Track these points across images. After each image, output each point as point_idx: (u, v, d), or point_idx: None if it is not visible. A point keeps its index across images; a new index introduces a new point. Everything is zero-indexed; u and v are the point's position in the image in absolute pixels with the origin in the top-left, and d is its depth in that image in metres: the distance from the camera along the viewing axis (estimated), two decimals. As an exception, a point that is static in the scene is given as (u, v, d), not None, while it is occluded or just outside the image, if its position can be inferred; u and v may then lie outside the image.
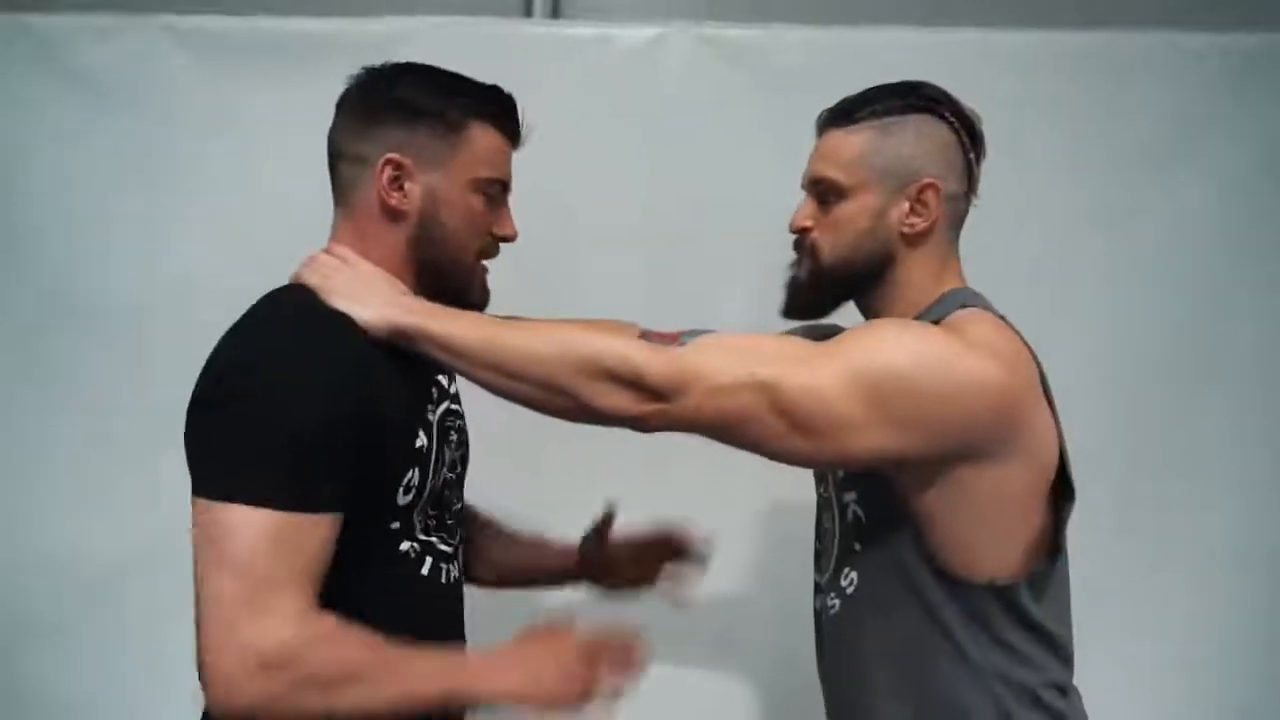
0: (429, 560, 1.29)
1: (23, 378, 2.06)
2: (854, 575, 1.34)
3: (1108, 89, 2.06)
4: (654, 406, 1.18)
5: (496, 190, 1.33)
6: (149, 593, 2.01)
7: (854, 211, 1.31)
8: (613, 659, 1.23)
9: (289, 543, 1.08)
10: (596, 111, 2.06)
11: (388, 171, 1.26)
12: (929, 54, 1.91)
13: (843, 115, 1.34)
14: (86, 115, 2.04)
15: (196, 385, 1.18)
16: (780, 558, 2.05)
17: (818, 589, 1.44)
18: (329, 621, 1.10)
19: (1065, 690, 1.30)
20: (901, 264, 1.32)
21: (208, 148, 2.04)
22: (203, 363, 1.20)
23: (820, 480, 1.47)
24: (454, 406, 1.41)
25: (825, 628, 1.42)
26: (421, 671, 1.14)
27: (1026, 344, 1.27)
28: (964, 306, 1.28)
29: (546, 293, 1.85)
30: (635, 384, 1.17)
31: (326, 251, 1.29)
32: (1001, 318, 1.29)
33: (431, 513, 1.31)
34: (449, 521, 1.37)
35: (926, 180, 1.29)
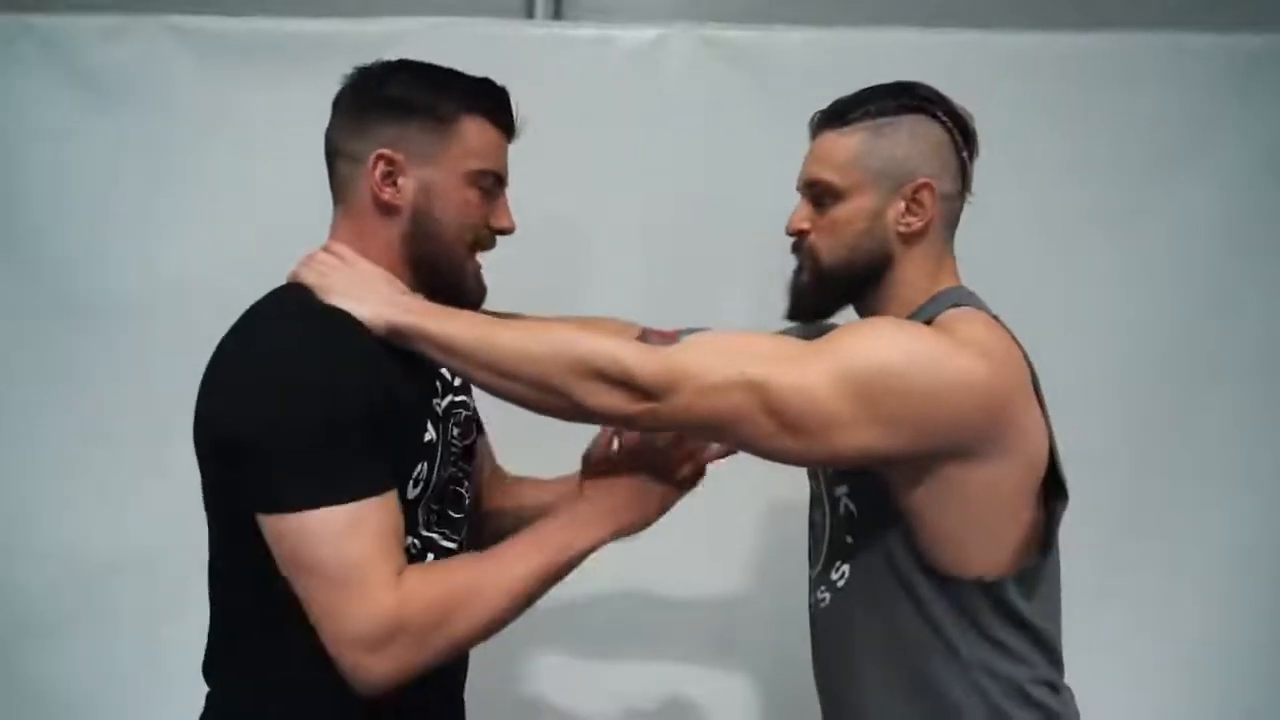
0: (430, 557, 1.29)
1: (24, 376, 2.07)
2: (845, 569, 1.33)
3: (1110, 90, 2.05)
4: (645, 406, 1.17)
5: (491, 183, 1.31)
6: (146, 591, 2.02)
7: (850, 213, 1.31)
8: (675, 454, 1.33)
9: (364, 528, 1.11)
10: (598, 112, 2.05)
11: (380, 167, 1.25)
12: (930, 55, 1.92)
13: (836, 117, 1.33)
14: (89, 114, 2.04)
15: (208, 394, 1.18)
16: (779, 558, 2.04)
17: (810, 584, 1.43)
18: (413, 577, 1.13)
19: (1056, 687, 1.29)
20: (898, 264, 1.32)
21: (209, 146, 2.04)
22: (202, 361, 1.19)
23: (812, 475, 1.46)
24: (458, 398, 1.40)
25: (817, 621, 1.42)
26: (523, 561, 1.21)
27: (1018, 343, 1.26)
28: (956, 305, 1.27)
29: (548, 292, 1.84)
30: (626, 384, 1.16)
31: (325, 249, 1.29)
32: (994, 317, 1.28)
33: (434, 507, 1.31)
34: (454, 516, 1.36)
35: (921, 180, 1.29)
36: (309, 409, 1.11)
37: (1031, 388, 1.24)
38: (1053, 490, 1.25)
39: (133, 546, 2.04)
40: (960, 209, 1.36)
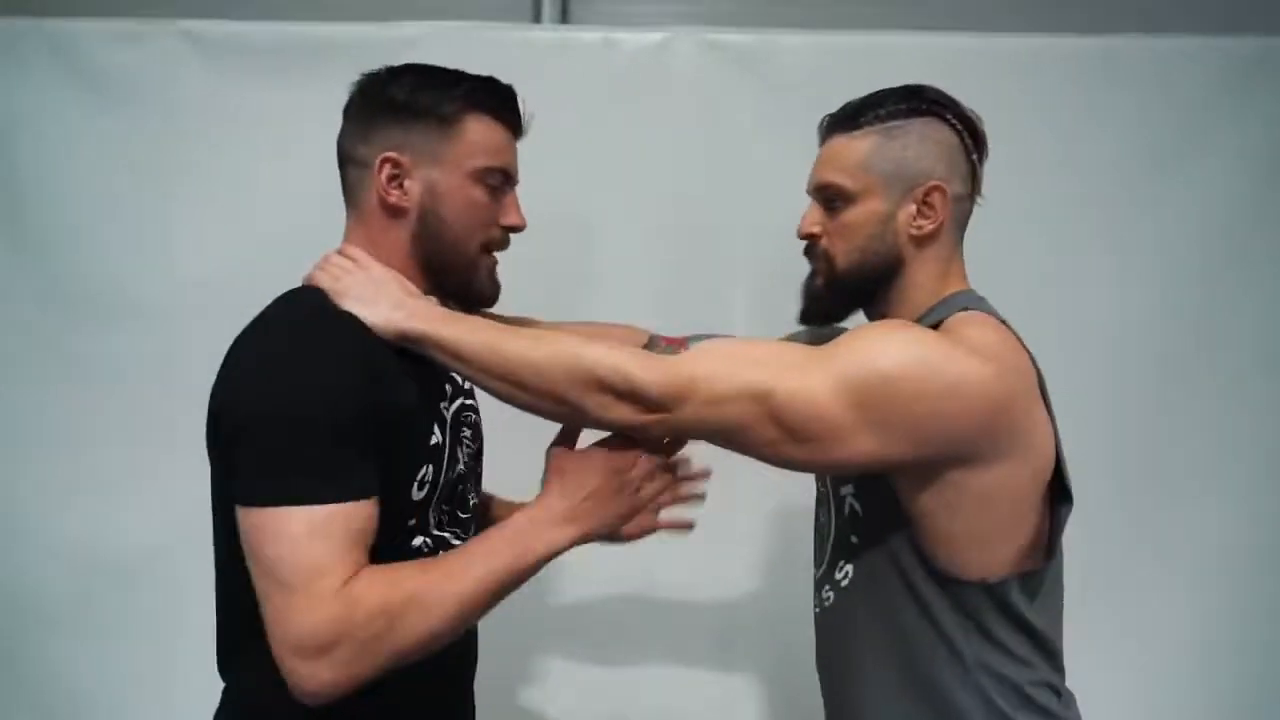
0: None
1: (37, 376, 2.07)
2: (849, 568, 1.33)
3: (1108, 93, 2.04)
4: (654, 417, 1.18)
5: (498, 180, 1.31)
6: (158, 589, 2.02)
7: (862, 216, 1.30)
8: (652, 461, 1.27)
9: (328, 532, 1.09)
10: (602, 114, 2.05)
11: (386, 170, 1.26)
12: (930, 59, 1.92)
13: (846, 120, 1.33)
14: (101, 117, 2.04)
15: (219, 391, 1.19)
16: (782, 560, 2.06)
17: (815, 584, 1.43)
18: (361, 582, 1.09)
19: (1058, 691, 1.29)
20: (909, 267, 1.31)
21: (220, 150, 2.04)
22: (214, 362, 1.20)
23: (819, 475, 1.46)
24: (468, 402, 1.40)
25: (820, 621, 1.42)
26: (473, 570, 1.16)
27: (1025, 347, 1.25)
28: (965, 309, 1.27)
29: (556, 293, 1.85)
30: (634, 397, 1.17)
31: (339, 252, 1.29)
32: (1003, 321, 1.27)
33: (445, 508, 1.31)
34: (462, 517, 1.36)
35: (933, 183, 1.28)
36: (293, 410, 1.11)
37: (1038, 392, 1.24)
38: (1058, 494, 1.24)
39: (147, 545, 2.04)
40: (970, 211, 1.35)
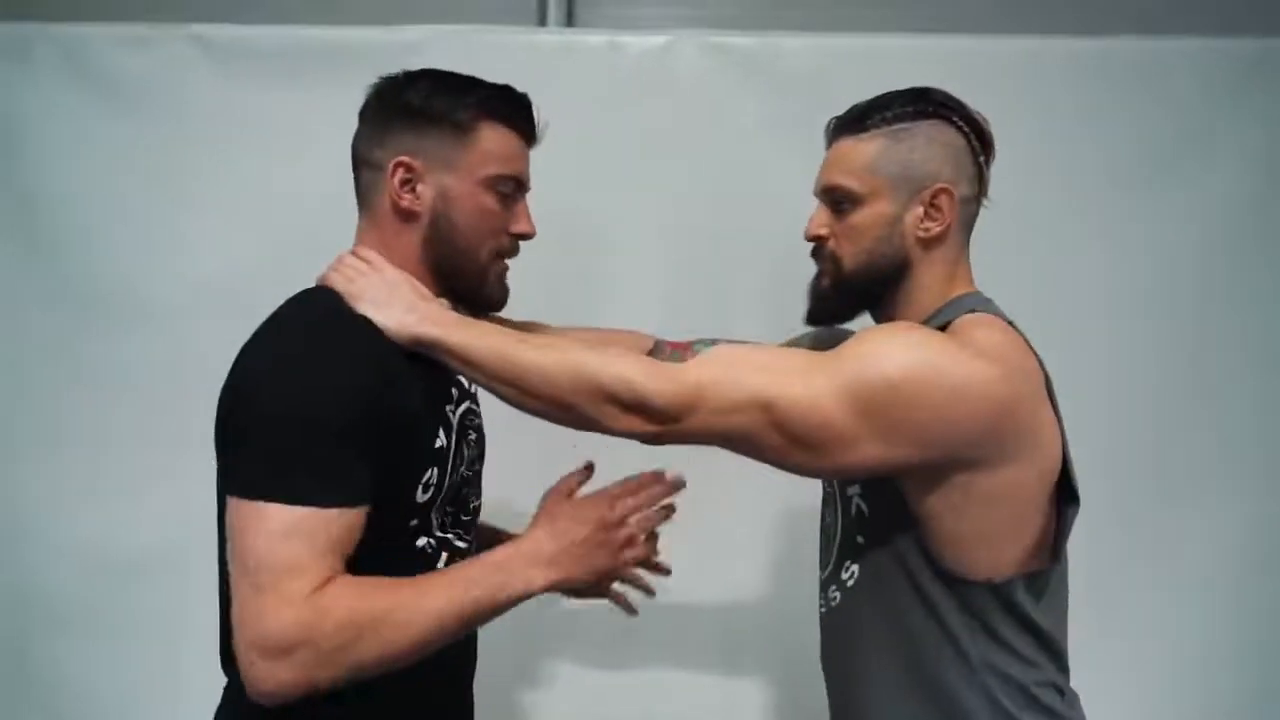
0: (445, 556, 1.29)
1: (48, 377, 2.06)
2: (855, 568, 1.32)
3: (1105, 95, 2.03)
4: (661, 427, 1.20)
5: (510, 188, 1.31)
6: (167, 589, 2.01)
7: (869, 218, 1.30)
8: (643, 504, 1.26)
9: (308, 534, 1.08)
10: (607, 116, 2.04)
11: (399, 174, 1.26)
12: (930, 60, 1.91)
13: (854, 123, 1.32)
14: (111, 121, 2.04)
15: (228, 390, 1.19)
16: (787, 563, 2.04)
17: (821, 585, 1.42)
18: (332, 590, 1.09)
19: (1063, 691, 1.28)
20: (916, 269, 1.30)
21: (230, 153, 2.03)
22: (224, 363, 1.20)
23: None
24: (473, 405, 1.40)
25: (826, 621, 1.41)
26: (446, 595, 1.14)
27: (1032, 349, 1.25)
28: (972, 311, 1.27)
29: (560, 294, 1.85)
30: (640, 408, 1.18)
31: (353, 254, 1.29)
32: (1010, 323, 1.27)
33: (449, 510, 1.31)
34: (465, 519, 1.36)
35: (940, 185, 1.27)
36: (298, 411, 1.11)
37: (1045, 393, 1.23)
38: (1065, 495, 1.23)
39: (157, 546, 2.03)
40: (976, 213, 1.35)
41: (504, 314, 1.40)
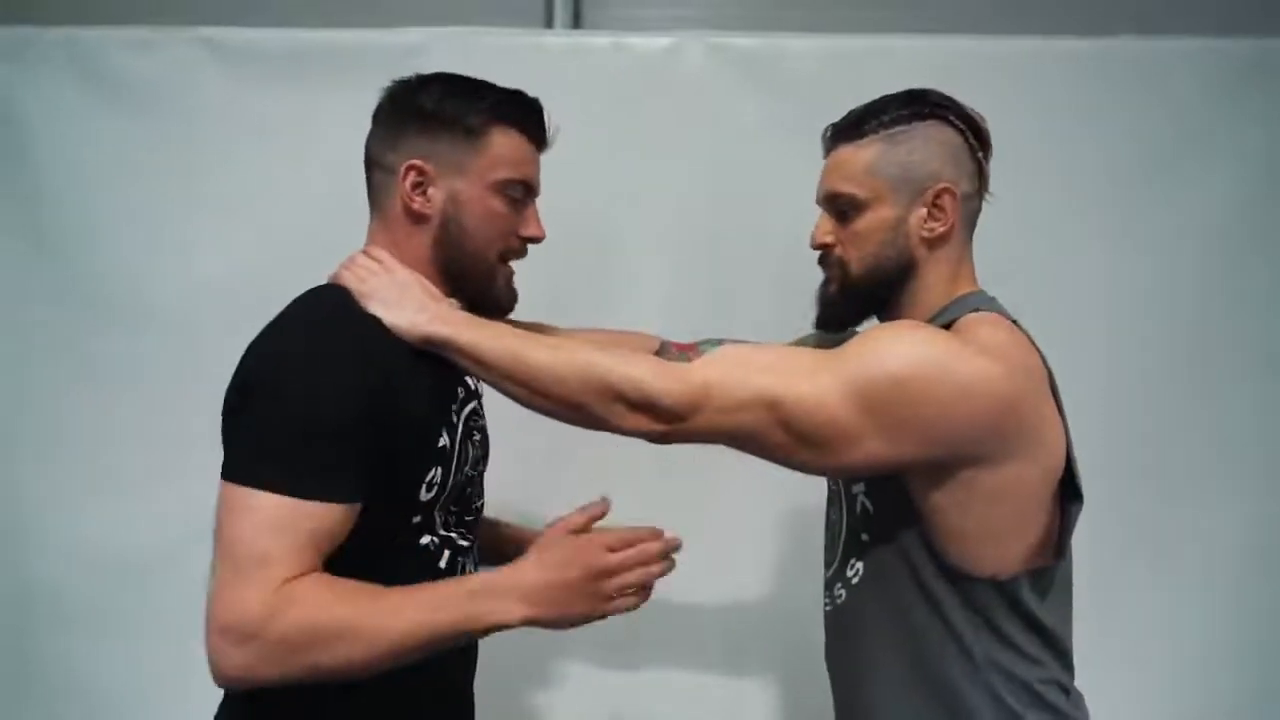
0: (447, 554, 1.29)
1: (56, 377, 2.06)
2: (860, 566, 1.32)
3: (1105, 95, 2.03)
4: (668, 426, 1.20)
5: (519, 192, 1.31)
6: (173, 589, 1.98)
7: (873, 223, 1.30)
8: (638, 560, 1.18)
9: (290, 526, 1.08)
10: (613, 117, 2.04)
11: (411, 177, 1.27)
12: (931, 61, 1.92)
13: (850, 129, 1.32)
14: (120, 123, 2.03)
15: (235, 382, 1.19)
16: (790, 563, 2.04)
17: (825, 583, 1.42)
18: (300, 588, 1.07)
19: (1067, 690, 1.28)
20: (921, 269, 1.30)
21: (238, 155, 2.03)
22: (232, 363, 1.20)
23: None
24: (479, 406, 1.40)
25: (831, 619, 1.41)
26: (413, 617, 1.10)
27: (1036, 347, 1.25)
28: (976, 310, 1.26)
29: (564, 295, 1.84)
30: (648, 407, 1.19)
31: (365, 253, 1.30)
32: (1015, 322, 1.27)
33: (453, 509, 1.31)
34: (468, 518, 1.36)
35: (941, 185, 1.28)
36: (298, 404, 1.12)
37: (1049, 391, 1.23)
38: (1069, 492, 1.23)
39: (163, 545, 2.03)
40: (979, 209, 1.35)
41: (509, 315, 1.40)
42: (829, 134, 1.36)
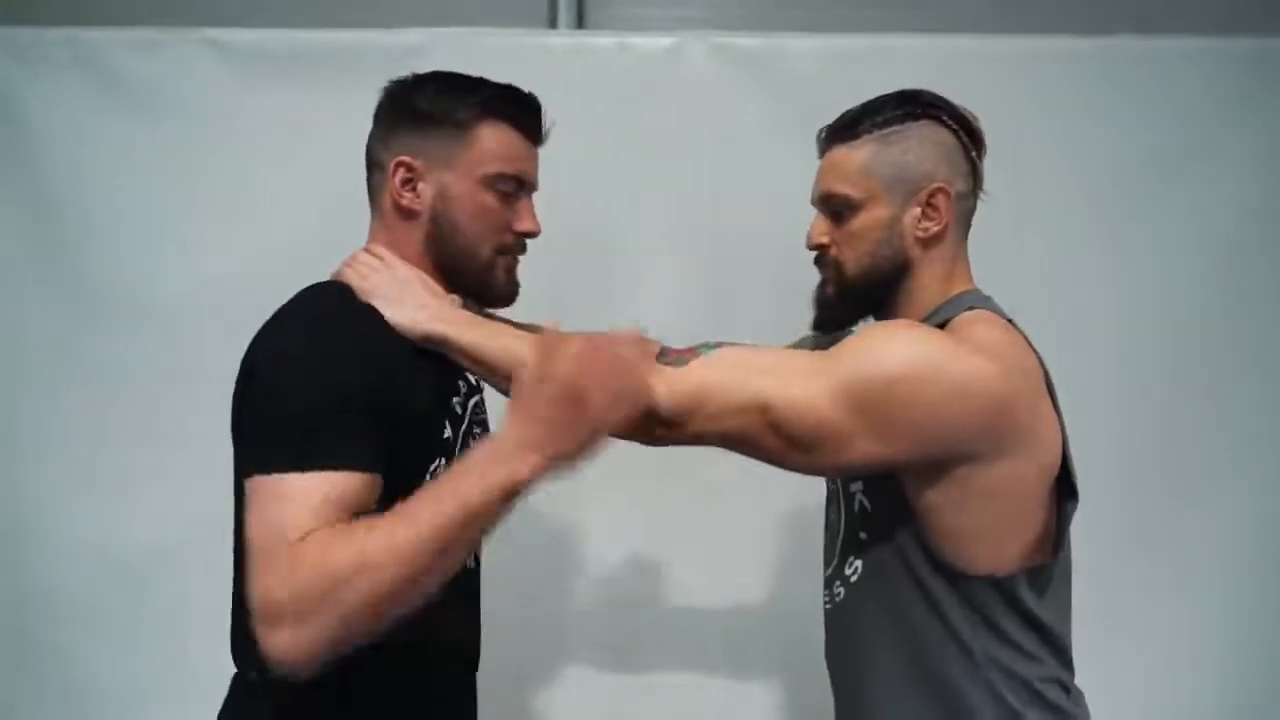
0: None
1: (60, 376, 2.06)
2: (859, 564, 1.32)
3: (1108, 94, 2.02)
4: (662, 431, 1.20)
5: (510, 186, 1.31)
6: (178, 584, 2.01)
7: (868, 222, 1.30)
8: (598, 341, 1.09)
9: (305, 498, 1.05)
10: (615, 116, 2.04)
11: (400, 174, 1.27)
12: (934, 60, 1.92)
13: (844, 130, 1.33)
14: (125, 123, 2.03)
15: (241, 377, 1.19)
16: (791, 564, 2.03)
17: (825, 581, 1.42)
18: (306, 544, 1.01)
19: (1067, 688, 1.27)
20: (917, 269, 1.31)
21: (242, 155, 2.03)
22: (236, 361, 1.20)
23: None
24: (483, 399, 1.41)
25: (830, 617, 1.41)
26: (415, 520, 1.02)
27: (1031, 345, 1.25)
28: (971, 308, 1.27)
29: (567, 295, 1.84)
30: (645, 413, 1.18)
31: (366, 250, 1.31)
32: (1010, 320, 1.27)
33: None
34: None
35: (936, 184, 1.28)
36: (303, 392, 1.11)
37: (1045, 389, 1.23)
38: (1065, 491, 1.23)
39: (161, 544, 2.03)
40: (973, 208, 1.35)
41: (510, 315, 1.40)
42: (823, 135, 1.37)
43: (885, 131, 1.29)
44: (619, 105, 2.05)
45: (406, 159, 1.27)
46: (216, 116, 2.03)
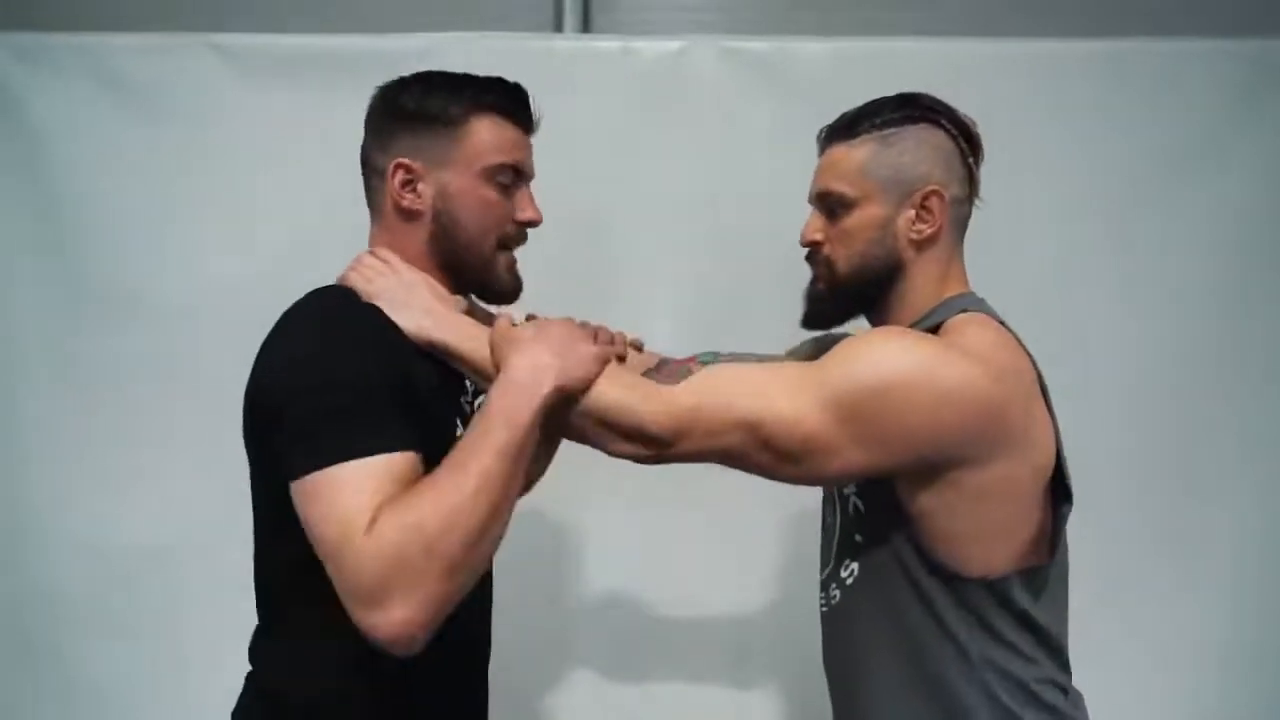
0: None
1: (66, 375, 2.07)
2: (854, 566, 1.32)
3: (1119, 97, 2.02)
4: (656, 451, 1.20)
5: (509, 177, 1.31)
6: (179, 583, 2.02)
7: (862, 222, 1.30)
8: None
9: (361, 486, 1.05)
10: (622, 121, 2.04)
11: (399, 176, 1.28)
12: (943, 63, 1.91)
13: (844, 130, 1.33)
14: (131, 127, 2.04)
15: (254, 381, 1.20)
16: (793, 568, 2.03)
17: (821, 584, 1.42)
18: (382, 514, 1.04)
19: (1065, 689, 1.28)
20: (909, 271, 1.31)
21: (247, 158, 2.04)
22: (241, 360, 1.21)
23: None
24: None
25: (827, 620, 1.41)
26: (488, 457, 1.08)
27: (1024, 348, 1.25)
28: (964, 311, 1.27)
29: (574, 297, 1.82)
30: (638, 435, 1.19)
31: (371, 254, 1.31)
32: (1002, 322, 1.27)
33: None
34: None
35: (930, 187, 1.28)
36: (325, 386, 1.11)
37: (1038, 391, 1.23)
38: (1060, 493, 1.23)
39: (160, 545, 2.03)
40: (969, 214, 1.35)
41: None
42: (823, 133, 1.38)
43: (884, 133, 1.30)
44: (626, 110, 2.05)
45: (404, 161, 1.27)
46: (223, 121, 2.04)
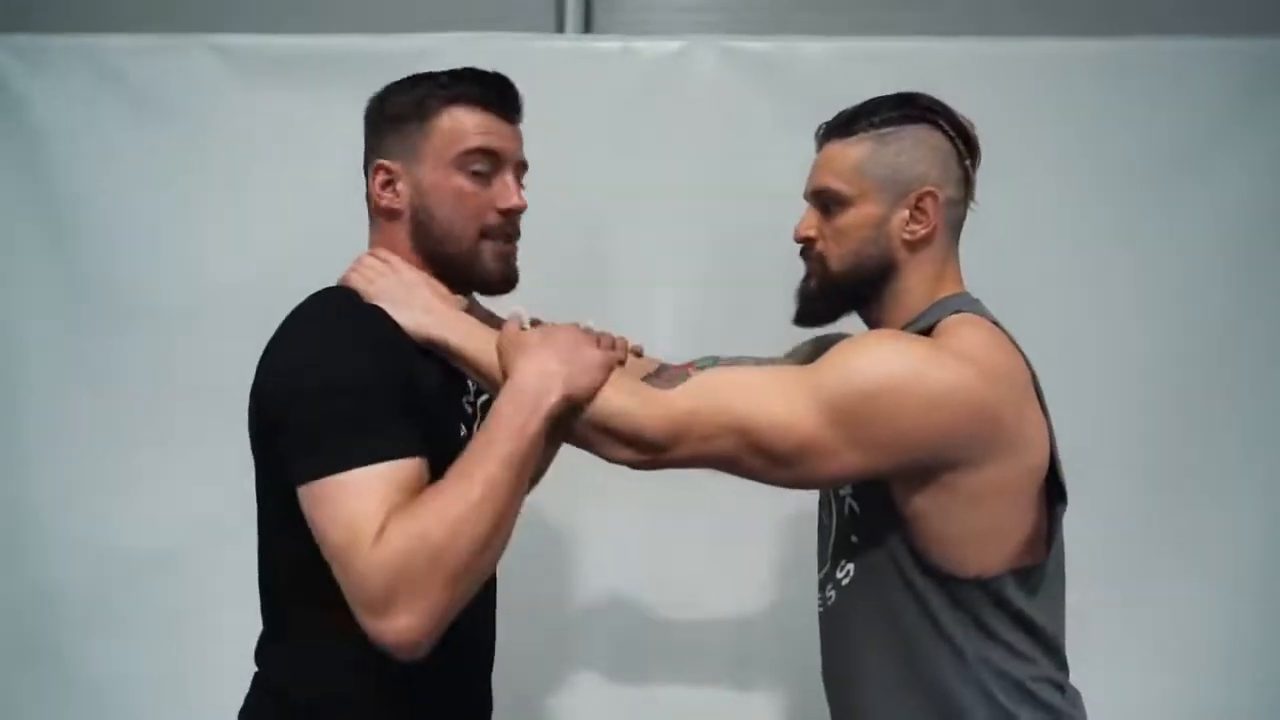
0: None
1: (69, 377, 2.07)
2: (850, 567, 1.33)
3: (1125, 96, 2.02)
4: (653, 457, 1.21)
5: (484, 163, 1.28)
6: (182, 587, 2.02)
7: (856, 220, 1.31)
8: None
9: (368, 492, 1.07)
10: (623, 121, 2.04)
11: (379, 177, 1.29)
12: (946, 63, 1.92)
13: (842, 127, 1.34)
14: (132, 128, 2.05)
15: (258, 384, 1.20)
16: (793, 571, 2.03)
17: (819, 584, 1.42)
18: (389, 523, 1.05)
19: (1061, 687, 1.28)
20: (903, 270, 1.31)
21: (248, 159, 2.05)
22: (243, 362, 1.21)
23: None
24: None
25: (824, 620, 1.41)
26: (481, 464, 1.09)
27: (1018, 348, 1.25)
28: (958, 312, 1.27)
29: (575, 296, 1.84)
30: (636, 441, 1.19)
31: (371, 254, 1.31)
32: (995, 323, 1.27)
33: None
34: None
35: (926, 188, 1.28)
36: (329, 388, 1.11)
37: (1032, 391, 1.23)
38: (1054, 492, 1.24)
39: (161, 545, 2.03)
40: (964, 216, 1.35)
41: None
42: (821, 130, 1.38)
43: (881, 131, 1.30)
44: (627, 110, 2.05)
45: (383, 162, 1.29)
46: (225, 122, 2.05)
